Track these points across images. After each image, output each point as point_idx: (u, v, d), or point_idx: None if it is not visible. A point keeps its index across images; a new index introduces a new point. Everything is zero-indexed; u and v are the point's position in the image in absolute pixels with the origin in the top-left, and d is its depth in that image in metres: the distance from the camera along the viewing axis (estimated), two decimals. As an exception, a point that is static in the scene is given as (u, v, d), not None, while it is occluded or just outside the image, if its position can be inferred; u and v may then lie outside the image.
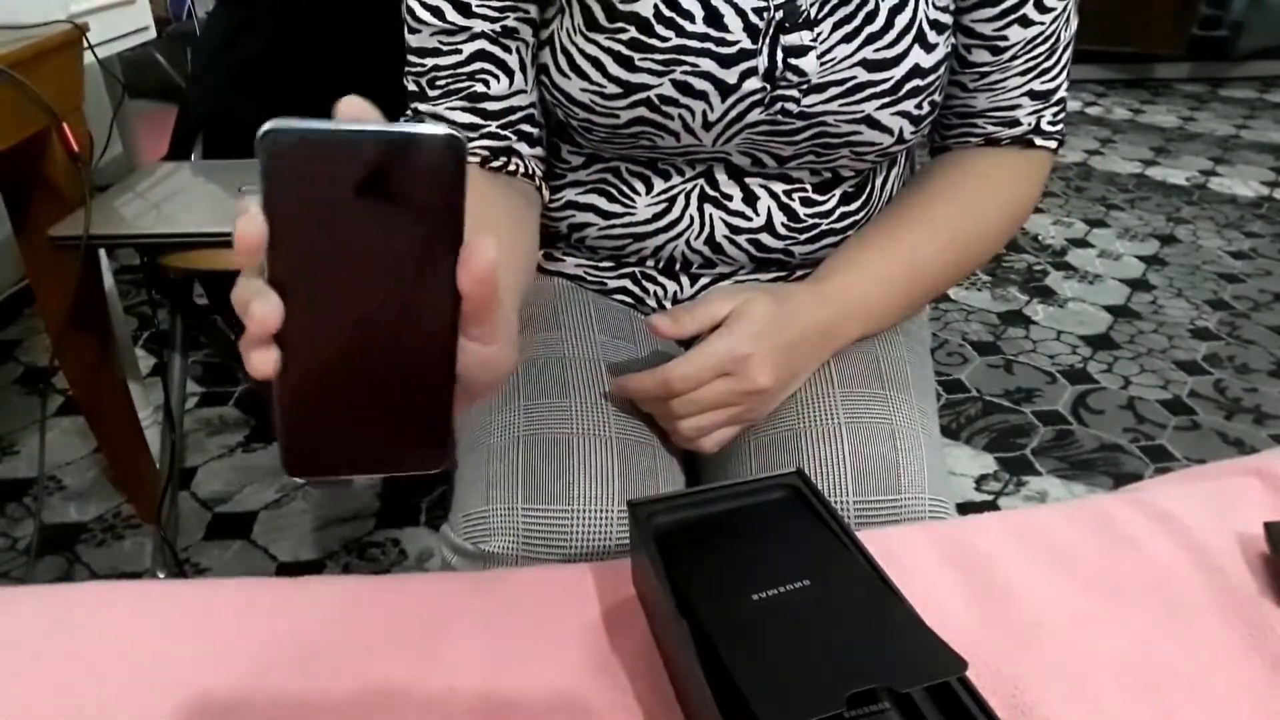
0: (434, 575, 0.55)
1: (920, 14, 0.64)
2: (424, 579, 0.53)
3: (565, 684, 0.45)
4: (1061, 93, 0.70)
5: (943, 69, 0.66)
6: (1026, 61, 0.68)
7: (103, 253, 1.31)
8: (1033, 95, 0.69)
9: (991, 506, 1.53)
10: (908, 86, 0.64)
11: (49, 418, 1.74)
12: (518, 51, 0.65)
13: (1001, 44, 0.67)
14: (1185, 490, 0.58)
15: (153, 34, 1.48)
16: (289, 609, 0.50)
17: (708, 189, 0.70)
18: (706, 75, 0.62)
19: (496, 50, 0.64)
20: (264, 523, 1.50)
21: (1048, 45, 0.67)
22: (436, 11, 0.63)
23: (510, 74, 0.65)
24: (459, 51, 0.64)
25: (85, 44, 1.19)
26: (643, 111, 0.64)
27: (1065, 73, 0.70)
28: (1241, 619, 0.48)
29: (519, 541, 0.60)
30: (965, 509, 1.46)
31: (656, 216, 0.71)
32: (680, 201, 0.71)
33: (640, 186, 0.71)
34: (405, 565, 1.42)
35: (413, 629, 0.48)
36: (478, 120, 0.66)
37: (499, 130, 0.66)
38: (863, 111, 0.65)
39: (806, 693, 0.36)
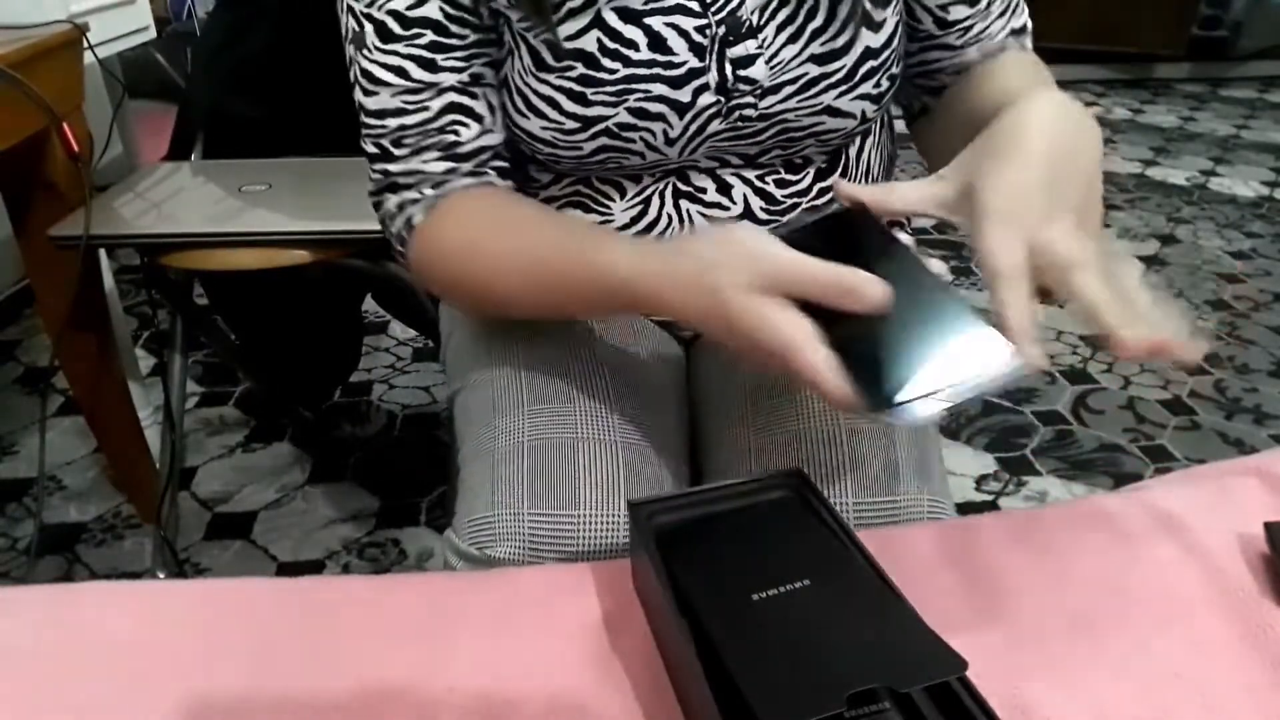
0: (434, 575, 0.55)
1: None
2: (424, 579, 0.54)
3: (565, 684, 0.45)
4: (1025, 17, 0.70)
5: (896, 41, 0.66)
6: (1003, 3, 0.68)
7: (103, 253, 1.31)
8: (1014, 33, 0.70)
9: (991, 506, 1.53)
10: (862, 70, 0.64)
11: (49, 418, 1.74)
12: (485, 96, 0.66)
13: None
14: (1185, 490, 0.58)
15: (153, 34, 1.48)
16: (289, 609, 0.50)
17: (680, 185, 0.70)
18: (660, 98, 0.62)
19: (465, 100, 0.65)
20: (264, 523, 1.50)
21: None
22: (400, 71, 0.63)
23: (480, 119, 0.66)
24: (427, 109, 0.64)
25: (85, 44, 1.19)
26: (604, 140, 0.64)
27: None
28: (1241, 619, 0.48)
29: (525, 546, 0.60)
30: (965, 509, 1.46)
31: (634, 220, 0.71)
32: (655, 201, 0.71)
33: (614, 193, 0.71)
34: (405, 565, 1.42)
35: (413, 629, 0.48)
36: (452, 164, 0.66)
37: (475, 169, 0.67)
38: (821, 103, 0.65)
39: (806, 693, 0.36)
